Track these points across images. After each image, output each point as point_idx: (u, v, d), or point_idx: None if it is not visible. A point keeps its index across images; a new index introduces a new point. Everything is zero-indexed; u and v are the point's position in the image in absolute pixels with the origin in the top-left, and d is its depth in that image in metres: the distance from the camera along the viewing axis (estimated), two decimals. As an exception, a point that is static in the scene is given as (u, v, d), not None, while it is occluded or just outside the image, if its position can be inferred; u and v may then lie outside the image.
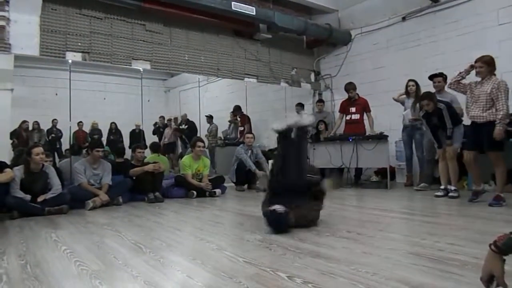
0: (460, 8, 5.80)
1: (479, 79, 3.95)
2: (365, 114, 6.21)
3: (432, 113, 4.41)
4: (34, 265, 2.04)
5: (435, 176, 5.30)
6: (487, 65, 3.84)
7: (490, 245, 1.31)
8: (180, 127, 9.52)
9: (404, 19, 6.56)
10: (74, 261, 2.10)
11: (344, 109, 6.32)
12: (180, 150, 9.74)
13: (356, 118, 6.18)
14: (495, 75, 3.89)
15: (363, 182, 6.26)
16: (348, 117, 6.27)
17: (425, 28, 6.27)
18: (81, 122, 9.32)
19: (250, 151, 6.02)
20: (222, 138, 9.22)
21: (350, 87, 6.24)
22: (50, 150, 6.73)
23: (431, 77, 4.98)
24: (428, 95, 4.44)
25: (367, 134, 5.89)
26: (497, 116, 3.72)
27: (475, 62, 3.92)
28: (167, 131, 9.91)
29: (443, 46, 5.99)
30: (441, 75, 4.93)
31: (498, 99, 3.73)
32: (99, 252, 2.31)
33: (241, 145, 6.20)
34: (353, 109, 6.23)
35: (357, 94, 6.25)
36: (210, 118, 9.38)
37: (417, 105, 4.97)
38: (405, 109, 5.65)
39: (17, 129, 8.39)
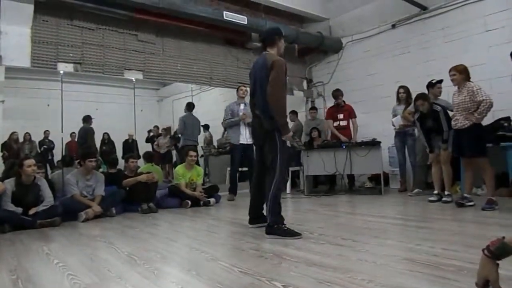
0: (448, 15, 5.91)
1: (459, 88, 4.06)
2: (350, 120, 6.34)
3: (426, 116, 4.46)
4: (26, 280, 2.00)
5: (428, 181, 5.34)
6: (459, 72, 3.97)
7: (483, 250, 1.31)
8: None
9: (394, 26, 6.66)
10: (67, 274, 2.07)
11: (332, 116, 6.40)
12: (174, 159, 9.71)
13: (344, 124, 6.31)
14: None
15: (357, 188, 6.27)
16: (336, 124, 6.35)
17: (414, 36, 6.37)
18: (74, 133, 9.25)
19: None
20: (216, 147, 9.20)
21: (338, 93, 6.36)
22: (42, 161, 6.66)
23: (431, 85, 5.01)
24: (422, 95, 4.53)
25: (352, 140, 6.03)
26: (480, 107, 3.79)
27: (450, 71, 4.06)
28: (161, 141, 9.86)
29: (432, 53, 6.08)
30: (441, 81, 4.99)
31: (478, 94, 3.81)
32: (92, 265, 2.27)
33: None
34: (341, 116, 6.34)
35: (343, 100, 6.34)
36: (206, 127, 9.36)
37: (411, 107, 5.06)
38: (393, 116, 5.71)
39: (7, 141, 8.31)
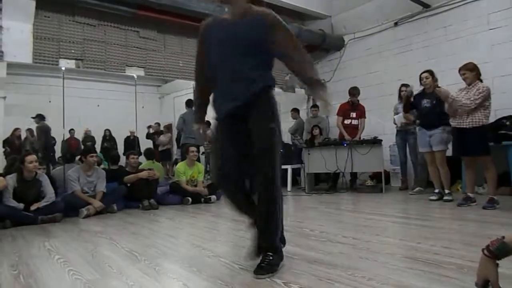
0: (451, 13, 5.88)
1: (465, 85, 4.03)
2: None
3: (425, 96, 4.44)
4: (27, 275, 2.01)
5: (429, 179, 5.33)
6: (469, 71, 3.91)
7: (483, 250, 1.31)
8: None
9: (396, 24, 6.64)
10: (68, 270, 2.07)
11: (344, 113, 6.27)
12: (175, 156, 9.71)
13: (356, 123, 6.19)
14: (481, 80, 3.94)
15: (358, 186, 6.27)
16: (347, 121, 6.23)
17: (417, 33, 6.34)
18: (72, 129, 9.25)
19: None
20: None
21: (355, 91, 6.22)
22: (44, 157, 6.67)
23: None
24: (430, 70, 4.49)
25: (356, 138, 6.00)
26: (461, 100, 3.82)
27: (459, 70, 4.00)
28: (163, 138, 9.86)
29: (434, 51, 6.06)
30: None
31: (477, 95, 3.79)
32: (93, 260, 2.28)
33: None
34: (353, 114, 6.23)
35: (358, 100, 6.27)
36: (207, 124, 9.37)
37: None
38: (394, 114, 5.69)
39: (10, 137, 8.31)
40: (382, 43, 6.85)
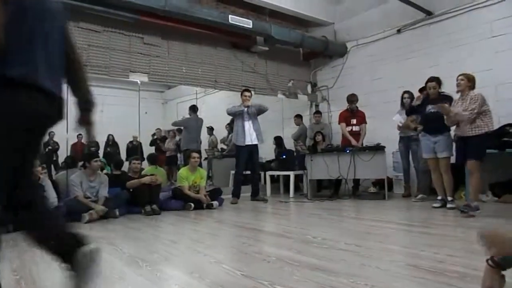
0: (454, 21, 5.89)
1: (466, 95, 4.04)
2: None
3: (430, 101, 4.44)
4: (29, 280, 2.01)
5: (432, 186, 5.31)
6: (467, 79, 3.95)
7: (487, 260, 1.30)
8: None
9: (399, 31, 6.66)
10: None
11: (345, 120, 6.26)
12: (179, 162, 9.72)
13: (357, 130, 6.16)
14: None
15: (361, 193, 6.25)
16: (348, 129, 6.21)
17: (419, 41, 6.35)
18: (80, 134, 9.29)
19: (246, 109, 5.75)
20: (220, 149, 9.22)
21: (354, 98, 6.22)
22: (47, 162, 6.68)
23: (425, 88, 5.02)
24: (437, 78, 4.49)
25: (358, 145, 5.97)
26: (461, 111, 3.85)
27: (459, 75, 4.04)
28: (168, 144, 9.88)
29: (437, 58, 6.06)
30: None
31: (472, 104, 3.83)
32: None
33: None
34: (354, 121, 6.21)
35: (357, 106, 6.27)
36: (210, 130, 9.40)
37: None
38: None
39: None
40: (385, 50, 6.86)
